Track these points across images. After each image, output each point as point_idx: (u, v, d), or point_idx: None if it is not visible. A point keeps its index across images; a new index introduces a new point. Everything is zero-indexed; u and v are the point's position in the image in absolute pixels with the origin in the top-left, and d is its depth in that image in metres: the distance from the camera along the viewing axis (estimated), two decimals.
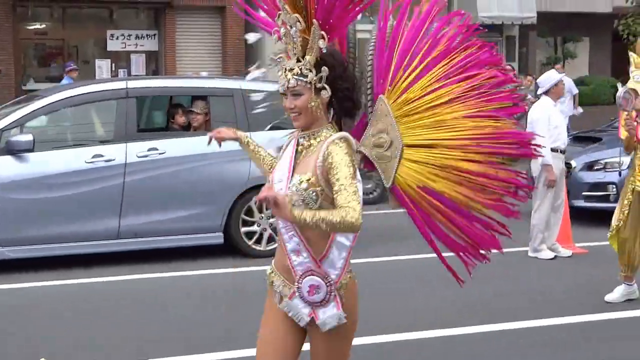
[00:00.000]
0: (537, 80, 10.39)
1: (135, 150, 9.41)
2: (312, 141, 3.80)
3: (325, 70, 3.72)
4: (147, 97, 10.42)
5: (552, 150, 9.95)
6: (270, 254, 5.43)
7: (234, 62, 20.61)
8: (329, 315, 3.79)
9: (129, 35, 21.56)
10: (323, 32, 3.70)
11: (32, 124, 9.58)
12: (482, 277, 8.80)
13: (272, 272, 3.99)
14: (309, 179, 3.69)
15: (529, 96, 20.08)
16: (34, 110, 9.62)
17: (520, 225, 11.07)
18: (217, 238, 9.66)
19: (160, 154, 9.62)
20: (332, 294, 3.78)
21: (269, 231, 9.79)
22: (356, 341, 4.04)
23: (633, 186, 7.73)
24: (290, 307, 3.84)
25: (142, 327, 7.34)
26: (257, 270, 7.99)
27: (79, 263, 9.41)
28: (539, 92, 10.21)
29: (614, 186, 11.78)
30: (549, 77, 10.14)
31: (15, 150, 9.19)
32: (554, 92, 10.04)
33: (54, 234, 9.31)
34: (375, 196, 12.81)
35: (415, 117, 3.93)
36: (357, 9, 3.91)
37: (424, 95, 3.94)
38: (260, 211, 9.80)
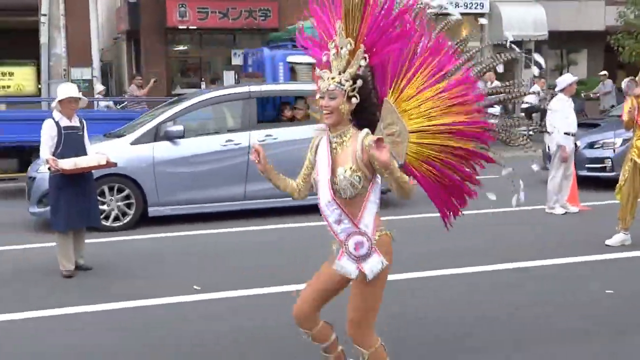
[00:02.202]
0: (556, 81, 10.08)
1: (256, 137, 9.43)
2: (343, 138, 3.61)
3: (359, 82, 3.56)
4: (263, 97, 10.40)
5: (565, 133, 9.67)
6: None
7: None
8: (374, 262, 3.55)
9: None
10: (366, 55, 3.59)
11: (182, 118, 9.66)
12: (515, 223, 8.66)
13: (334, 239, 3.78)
14: (351, 167, 3.54)
15: (542, 94, 19.79)
16: (183, 108, 9.71)
17: (539, 189, 10.76)
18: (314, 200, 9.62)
19: (273, 139, 9.62)
20: (373, 246, 3.55)
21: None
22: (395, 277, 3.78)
23: (631, 157, 7.60)
24: (339, 266, 3.59)
25: (272, 259, 7.37)
26: None
27: (216, 218, 9.51)
28: (556, 89, 9.91)
29: (609, 160, 11.48)
30: (565, 79, 9.85)
31: (171, 137, 9.31)
32: (568, 90, 9.74)
33: (198, 197, 9.42)
34: None
35: (413, 111, 3.80)
36: (397, 43, 3.74)
37: (417, 94, 3.80)
38: None
